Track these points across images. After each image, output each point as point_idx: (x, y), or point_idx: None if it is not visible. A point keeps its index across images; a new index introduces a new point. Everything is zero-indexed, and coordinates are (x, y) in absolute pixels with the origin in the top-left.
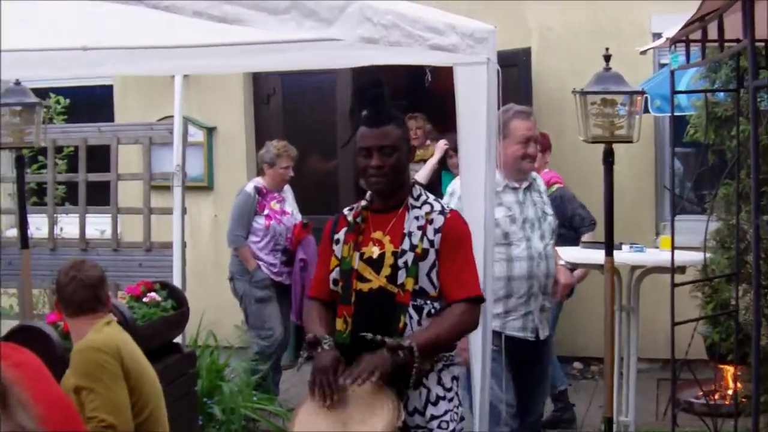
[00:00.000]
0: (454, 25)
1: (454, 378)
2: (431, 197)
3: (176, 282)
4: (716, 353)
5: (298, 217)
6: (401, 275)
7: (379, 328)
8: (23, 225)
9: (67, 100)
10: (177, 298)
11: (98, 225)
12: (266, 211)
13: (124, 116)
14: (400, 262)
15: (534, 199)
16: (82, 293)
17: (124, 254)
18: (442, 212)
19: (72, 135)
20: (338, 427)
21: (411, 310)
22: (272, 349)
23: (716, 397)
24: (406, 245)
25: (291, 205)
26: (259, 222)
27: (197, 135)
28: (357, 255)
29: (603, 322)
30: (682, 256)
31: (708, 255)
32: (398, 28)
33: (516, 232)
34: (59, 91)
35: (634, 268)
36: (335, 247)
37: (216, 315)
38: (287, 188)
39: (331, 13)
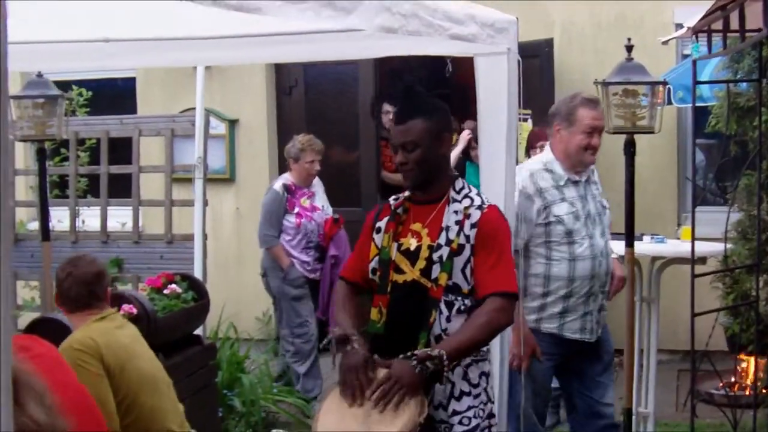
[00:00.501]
0: (474, 15)
1: (483, 374)
2: (474, 191)
3: (197, 274)
4: (736, 344)
5: (329, 211)
6: (435, 270)
7: (410, 321)
8: (44, 217)
9: (90, 93)
10: (198, 289)
11: (120, 218)
12: (296, 209)
13: (147, 108)
14: (435, 256)
15: (593, 192)
16: (77, 289)
17: (146, 246)
18: (480, 207)
19: (94, 127)
20: (360, 422)
21: (442, 306)
22: (310, 345)
23: (736, 388)
24: (442, 239)
25: (321, 200)
26: (290, 220)
27: (219, 127)
28: (395, 246)
29: (624, 314)
30: (702, 247)
31: (729, 246)
32: (417, 17)
33: (579, 229)
34: (81, 83)
35: (654, 259)
36: (376, 236)
37: (237, 307)
38: (317, 182)
39: (350, 3)
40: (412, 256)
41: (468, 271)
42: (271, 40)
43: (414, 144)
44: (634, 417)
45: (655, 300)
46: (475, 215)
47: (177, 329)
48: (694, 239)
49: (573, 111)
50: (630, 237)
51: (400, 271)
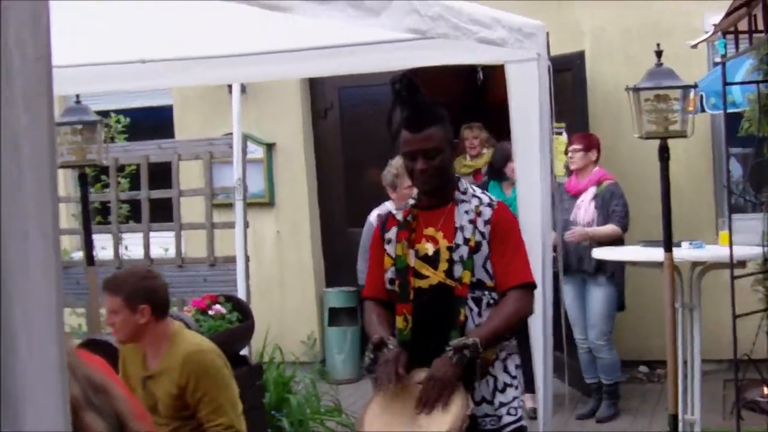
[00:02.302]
0: (500, 19)
1: (518, 366)
2: (477, 190)
3: (241, 295)
4: None
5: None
6: (458, 269)
7: (439, 323)
8: (88, 242)
9: (128, 119)
10: (242, 310)
11: (161, 243)
12: None
13: (184, 135)
14: (455, 256)
15: None
16: (167, 296)
17: (189, 270)
18: (489, 204)
19: (133, 153)
20: (407, 424)
21: (470, 302)
22: None
23: None
24: (459, 239)
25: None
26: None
27: (257, 151)
28: (412, 252)
29: (666, 322)
30: (742, 251)
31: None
32: (445, 20)
33: None
34: (119, 111)
35: (694, 265)
36: (387, 247)
37: (280, 330)
38: None
39: (379, 4)
40: (431, 260)
41: (489, 266)
42: (304, 55)
43: (436, 150)
44: (680, 424)
45: (696, 306)
46: (487, 212)
47: (223, 350)
48: (731, 240)
49: None
50: (668, 242)
51: (421, 276)
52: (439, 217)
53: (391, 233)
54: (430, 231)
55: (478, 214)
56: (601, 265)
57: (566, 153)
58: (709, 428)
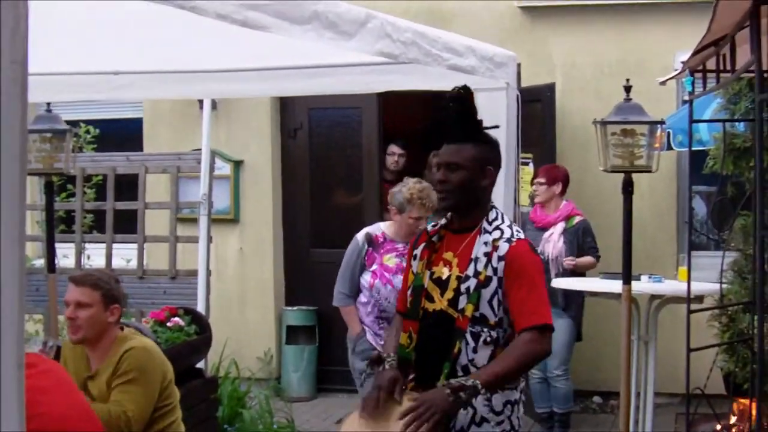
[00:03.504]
0: (474, 48)
1: (509, 402)
2: (506, 222)
3: (200, 309)
4: (731, 384)
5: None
6: (462, 300)
7: (437, 350)
8: (51, 250)
9: (97, 130)
10: (200, 323)
11: (124, 255)
12: (374, 267)
13: (153, 149)
14: (463, 287)
15: None
16: (121, 295)
17: (149, 281)
18: (509, 240)
19: (101, 163)
20: None
21: (468, 336)
22: None
23: (734, 431)
24: (470, 271)
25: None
26: (365, 278)
27: (224, 168)
28: (428, 273)
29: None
30: (699, 286)
31: (725, 285)
32: (417, 46)
33: None
34: (89, 122)
35: (652, 298)
36: (413, 263)
37: (238, 346)
38: None
39: (352, 27)
40: (442, 284)
41: (495, 303)
42: (276, 74)
43: (458, 166)
44: None
45: (652, 339)
46: (503, 248)
47: (180, 361)
48: (689, 274)
49: None
50: (627, 274)
51: (431, 299)
52: (461, 242)
53: (419, 250)
54: (448, 255)
55: (495, 248)
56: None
57: (532, 183)
58: None
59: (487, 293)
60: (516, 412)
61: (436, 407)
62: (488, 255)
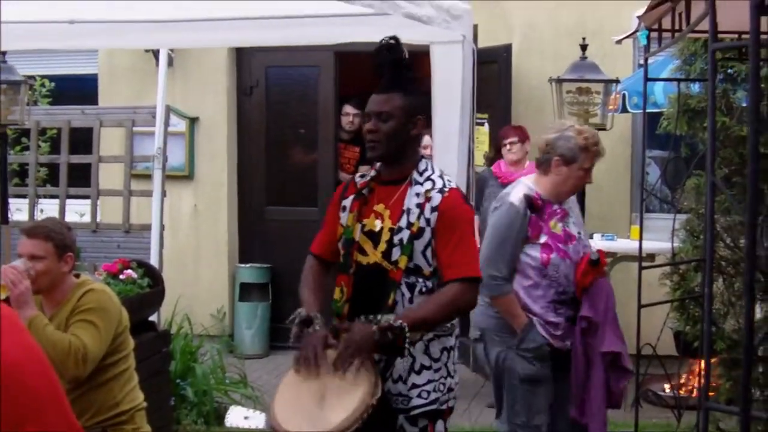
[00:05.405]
0: None
1: (445, 349)
2: (437, 173)
3: (154, 263)
4: (681, 342)
5: (587, 243)
6: (395, 252)
7: (371, 302)
8: (4, 202)
9: (53, 84)
10: (153, 276)
11: (78, 209)
12: (543, 238)
13: (108, 105)
14: (396, 239)
15: None
16: (72, 243)
17: (103, 235)
18: (441, 190)
19: (56, 117)
20: (317, 398)
21: (403, 288)
22: None
23: (682, 391)
24: (403, 222)
25: (578, 225)
26: (532, 254)
27: (179, 125)
28: (359, 226)
29: None
30: (651, 245)
31: (677, 244)
32: None
33: None
34: (45, 77)
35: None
36: (342, 214)
37: (191, 302)
38: (571, 198)
39: None
40: (375, 237)
41: (429, 254)
42: (234, 24)
43: (388, 115)
44: None
45: None
46: (436, 198)
47: (132, 314)
48: (641, 232)
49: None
50: None
51: (363, 252)
52: (393, 194)
53: (348, 201)
54: (379, 207)
55: (428, 199)
56: None
57: (503, 145)
58: (611, 420)
59: (420, 244)
60: (452, 358)
61: (359, 345)
62: (420, 206)
